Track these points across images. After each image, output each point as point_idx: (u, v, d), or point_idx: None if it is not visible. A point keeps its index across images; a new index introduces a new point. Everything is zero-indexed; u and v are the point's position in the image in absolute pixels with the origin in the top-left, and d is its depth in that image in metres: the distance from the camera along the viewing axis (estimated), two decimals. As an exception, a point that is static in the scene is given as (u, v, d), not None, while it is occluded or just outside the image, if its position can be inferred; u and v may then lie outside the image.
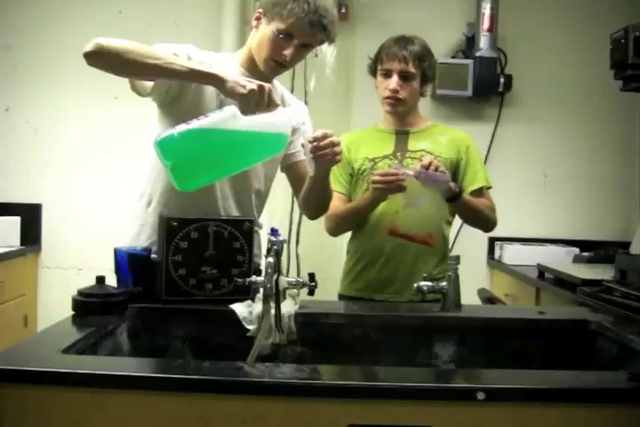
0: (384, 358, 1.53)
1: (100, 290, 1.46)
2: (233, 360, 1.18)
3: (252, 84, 1.50)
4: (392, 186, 1.87)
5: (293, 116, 1.52)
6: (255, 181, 1.80)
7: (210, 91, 1.68)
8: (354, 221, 2.08)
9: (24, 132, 3.34)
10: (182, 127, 1.39)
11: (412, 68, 2.00)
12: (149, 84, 1.62)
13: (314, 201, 1.87)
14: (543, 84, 3.38)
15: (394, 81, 2.01)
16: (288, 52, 1.68)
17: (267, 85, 1.52)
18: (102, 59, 1.50)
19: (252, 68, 1.73)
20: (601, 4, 3.31)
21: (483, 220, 2.10)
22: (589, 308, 1.81)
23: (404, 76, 2.01)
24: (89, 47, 1.49)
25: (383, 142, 2.11)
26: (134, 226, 1.79)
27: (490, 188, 2.12)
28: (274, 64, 1.70)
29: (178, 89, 1.65)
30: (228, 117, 1.41)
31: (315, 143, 1.59)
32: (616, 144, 3.39)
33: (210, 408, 1.05)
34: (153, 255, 1.63)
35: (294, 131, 1.83)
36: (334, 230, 2.12)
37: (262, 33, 1.70)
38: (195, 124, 1.40)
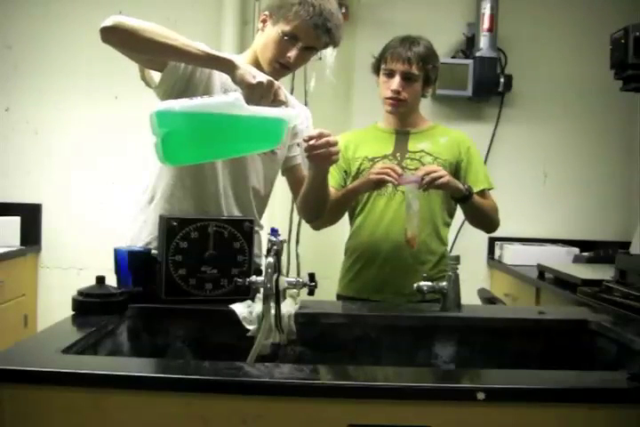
0: (384, 358, 1.53)
1: (100, 290, 1.46)
2: (233, 360, 1.18)
3: (263, 77, 1.51)
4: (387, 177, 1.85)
5: (296, 118, 1.52)
6: (255, 180, 1.79)
7: (216, 89, 1.68)
8: (335, 210, 2.03)
9: (24, 132, 3.34)
10: (184, 102, 1.41)
11: (415, 70, 1.99)
12: (158, 76, 1.62)
13: (311, 203, 1.86)
14: (543, 84, 3.38)
15: (396, 82, 2.00)
16: (292, 54, 1.68)
17: (276, 82, 1.53)
18: (118, 34, 1.49)
19: None
20: (601, 4, 3.31)
21: (488, 221, 2.10)
22: (589, 308, 1.82)
23: (407, 78, 2.00)
24: (107, 22, 1.48)
25: (383, 142, 2.11)
26: (137, 222, 1.79)
27: (491, 189, 2.12)
28: (278, 66, 1.71)
29: (184, 84, 1.64)
30: (230, 102, 1.42)
31: (310, 142, 1.59)
32: (616, 144, 3.39)
33: (210, 408, 1.05)
34: (154, 251, 1.63)
35: (296, 134, 1.82)
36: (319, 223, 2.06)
37: (267, 35, 1.70)
38: (197, 101, 1.42)
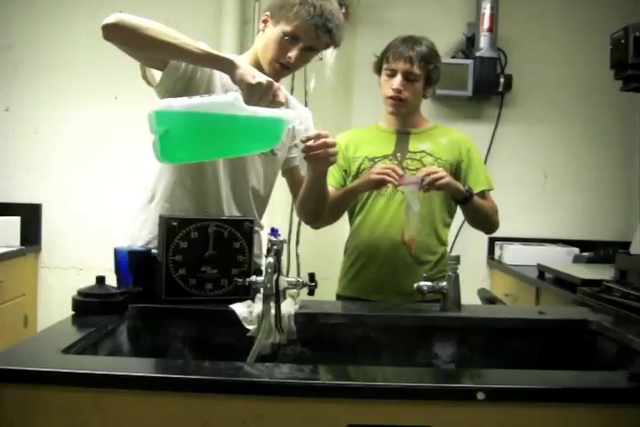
0: (384, 358, 1.53)
1: (100, 290, 1.46)
2: (233, 360, 1.18)
3: (262, 77, 1.51)
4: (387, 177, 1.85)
5: (295, 119, 1.52)
6: (254, 180, 1.79)
7: (217, 90, 1.68)
8: (335, 210, 2.02)
9: (24, 132, 3.34)
10: (183, 101, 1.41)
11: (416, 70, 1.99)
12: (159, 75, 1.62)
13: (310, 204, 1.86)
14: (543, 84, 3.38)
15: (397, 81, 2.00)
16: (293, 54, 1.68)
17: (275, 83, 1.53)
18: (120, 31, 1.48)
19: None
20: (601, 3, 3.31)
21: (488, 222, 2.10)
22: (589, 308, 1.81)
23: (409, 77, 2.00)
24: (109, 19, 1.48)
25: (384, 142, 2.10)
26: (137, 221, 1.79)
27: (491, 190, 2.11)
28: (278, 66, 1.71)
29: (185, 84, 1.64)
30: (229, 102, 1.42)
31: (308, 142, 1.59)
32: (616, 144, 3.39)
33: (210, 408, 1.05)
34: (153, 250, 1.63)
35: (296, 136, 1.82)
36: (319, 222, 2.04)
37: (268, 35, 1.70)
38: (196, 100, 1.42)
